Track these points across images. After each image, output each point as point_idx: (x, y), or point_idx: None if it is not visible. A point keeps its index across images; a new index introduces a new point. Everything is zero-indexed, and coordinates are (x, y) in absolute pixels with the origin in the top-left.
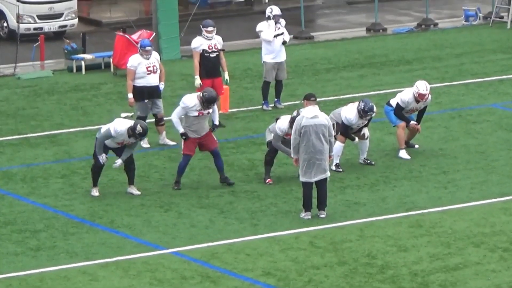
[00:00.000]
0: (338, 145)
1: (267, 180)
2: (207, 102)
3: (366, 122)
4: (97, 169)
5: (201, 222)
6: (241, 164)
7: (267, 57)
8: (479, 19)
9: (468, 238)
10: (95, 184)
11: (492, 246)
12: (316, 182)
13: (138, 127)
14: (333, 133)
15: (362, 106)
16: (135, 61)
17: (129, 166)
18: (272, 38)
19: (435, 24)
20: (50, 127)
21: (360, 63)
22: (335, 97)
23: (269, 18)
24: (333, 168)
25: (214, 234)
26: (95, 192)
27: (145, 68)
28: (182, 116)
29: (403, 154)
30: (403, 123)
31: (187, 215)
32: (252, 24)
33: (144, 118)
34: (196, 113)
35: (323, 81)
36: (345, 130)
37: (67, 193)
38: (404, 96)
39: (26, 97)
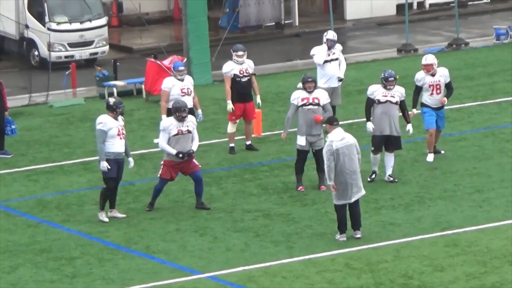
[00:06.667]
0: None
1: (299, 188)
2: (177, 111)
3: (390, 96)
4: (108, 193)
5: (237, 246)
6: (275, 187)
7: (320, 82)
8: (510, 38)
9: (504, 256)
10: (102, 207)
11: None
12: (349, 203)
13: (109, 100)
14: (359, 150)
15: (383, 75)
16: (169, 83)
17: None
18: (322, 63)
19: (466, 44)
20: (83, 154)
21: None
22: None
23: (324, 42)
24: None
25: (250, 258)
26: (104, 217)
27: (179, 90)
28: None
29: (430, 157)
30: (432, 129)
31: (222, 239)
32: (283, 48)
33: None
34: (175, 131)
35: (355, 103)
36: (367, 102)
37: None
38: (416, 75)
39: (59, 125)
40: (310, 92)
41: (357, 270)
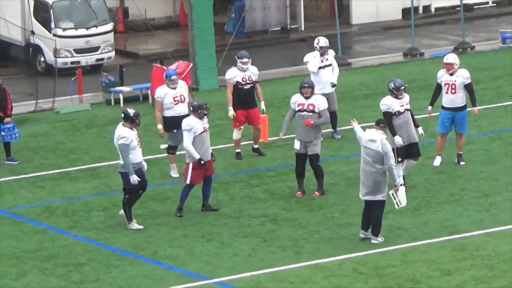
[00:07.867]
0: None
1: (297, 193)
2: (199, 108)
3: (405, 104)
4: (133, 202)
5: (244, 251)
6: (282, 192)
7: (315, 88)
8: None
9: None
10: (131, 218)
11: None
12: (370, 204)
13: (128, 111)
14: (390, 162)
15: (392, 85)
16: (161, 92)
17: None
18: (317, 70)
19: (472, 47)
20: (90, 160)
21: None
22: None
23: (316, 49)
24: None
25: (257, 263)
26: (136, 225)
27: (172, 99)
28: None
29: (437, 161)
30: (442, 133)
31: (229, 245)
32: (289, 53)
33: (175, 148)
34: (201, 129)
35: (361, 107)
36: (387, 117)
37: (109, 226)
38: (438, 72)
39: (65, 131)
40: (307, 98)
41: (365, 275)
